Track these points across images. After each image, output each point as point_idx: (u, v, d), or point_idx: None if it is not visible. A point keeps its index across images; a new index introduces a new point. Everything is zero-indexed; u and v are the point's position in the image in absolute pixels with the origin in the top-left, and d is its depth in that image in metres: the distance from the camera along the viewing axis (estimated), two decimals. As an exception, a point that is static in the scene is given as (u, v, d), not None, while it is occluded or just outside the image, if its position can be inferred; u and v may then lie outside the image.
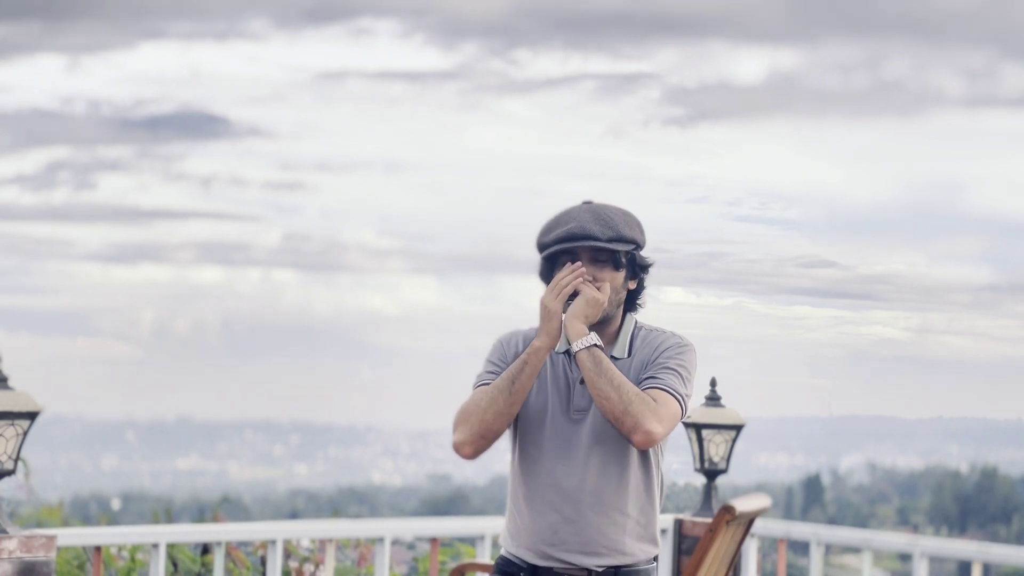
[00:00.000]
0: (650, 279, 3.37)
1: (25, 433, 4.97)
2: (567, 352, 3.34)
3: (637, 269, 3.34)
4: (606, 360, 3.19)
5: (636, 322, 3.36)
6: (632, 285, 3.35)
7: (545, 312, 3.24)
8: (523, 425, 3.31)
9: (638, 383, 3.25)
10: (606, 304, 3.27)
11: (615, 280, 3.30)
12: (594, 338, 3.21)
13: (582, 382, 3.28)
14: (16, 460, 4.98)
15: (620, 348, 3.32)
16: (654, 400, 3.16)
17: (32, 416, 4.97)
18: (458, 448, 3.23)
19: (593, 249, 3.29)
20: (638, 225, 3.33)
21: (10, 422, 4.92)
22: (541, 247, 3.33)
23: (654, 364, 3.26)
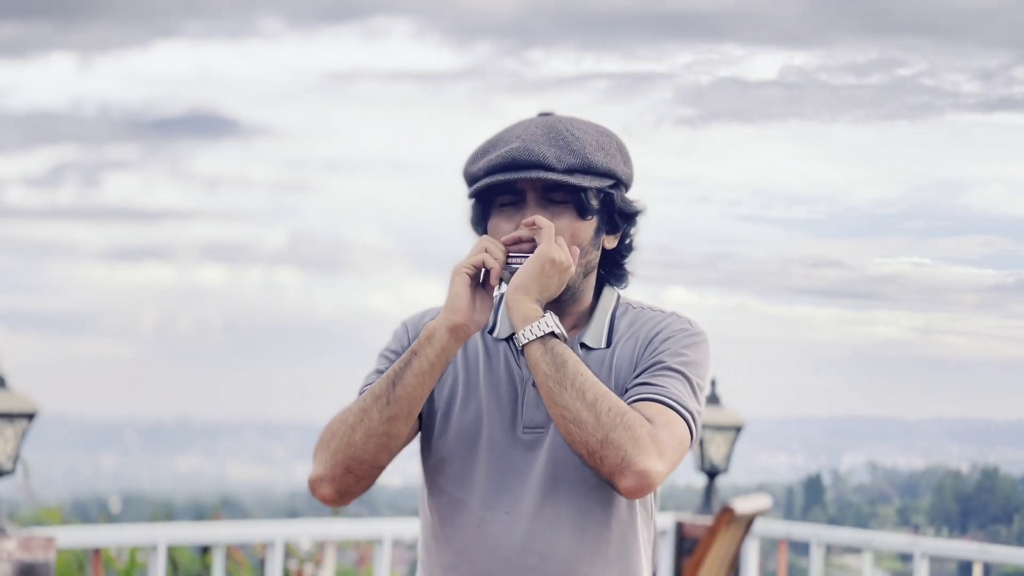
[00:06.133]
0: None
1: (24, 433, 4.98)
2: (511, 339, 2.19)
3: (617, 217, 2.18)
4: (573, 359, 2.04)
5: (619, 298, 2.21)
6: (611, 243, 2.20)
7: (451, 279, 2.09)
8: (441, 452, 2.16)
9: (623, 391, 2.12)
10: (572, 270, 2.11)
11: (580, 234, 2.13)
12: (551, 322, 2.05)
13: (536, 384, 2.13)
14: (15, 460, 4.98)
15: (594, 334, 2.16)
16: (650, 421, 2.02)
17: (30, 416, 4.97)
18: (314, 487, 2.09)
19: (545, 184, 2.13)
20: (619, 150, 2.18)
21: (9, 422, 4.92)
22: (468, 179, 2.18)
23: (648, 361, 2.12)
